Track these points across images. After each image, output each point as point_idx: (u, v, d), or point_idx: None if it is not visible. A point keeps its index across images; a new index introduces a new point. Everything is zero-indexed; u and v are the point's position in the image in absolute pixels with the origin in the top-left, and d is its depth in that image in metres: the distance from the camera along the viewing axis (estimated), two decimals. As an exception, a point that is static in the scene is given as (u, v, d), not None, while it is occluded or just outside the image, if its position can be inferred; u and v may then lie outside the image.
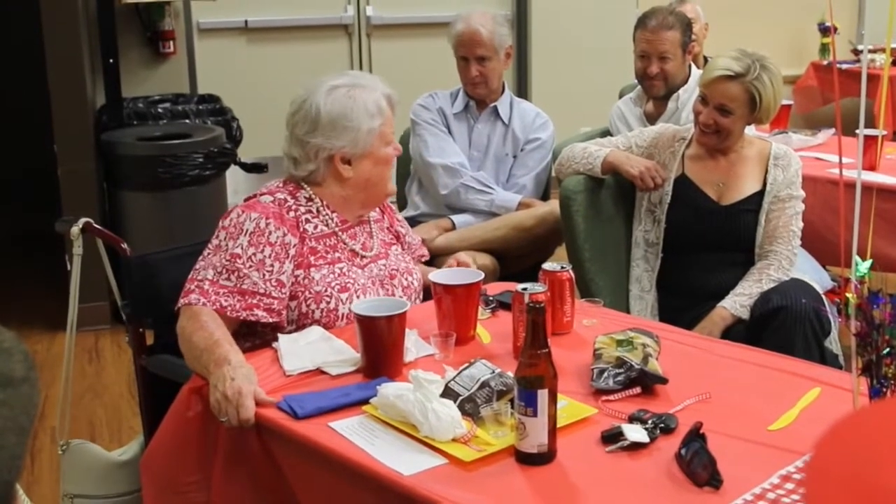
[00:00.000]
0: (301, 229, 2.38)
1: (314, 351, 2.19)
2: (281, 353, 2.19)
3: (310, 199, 2.45)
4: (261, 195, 2.43)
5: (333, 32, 6.11)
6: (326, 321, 2.35)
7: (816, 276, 3.23)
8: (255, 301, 2.27)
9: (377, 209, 2.64)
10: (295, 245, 2.35)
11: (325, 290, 2.35)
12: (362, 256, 2.46)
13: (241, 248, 2.29)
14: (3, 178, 6.61)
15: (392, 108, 2.48)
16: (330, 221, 2.45)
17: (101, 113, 4.99)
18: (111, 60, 4.92)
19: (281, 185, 2.47)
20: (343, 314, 2.35)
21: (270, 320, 2.30)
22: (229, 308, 2.26)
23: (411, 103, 3.77)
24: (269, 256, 2.30)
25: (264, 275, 2.28)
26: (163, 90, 5.40)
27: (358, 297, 2.36)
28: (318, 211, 2.44)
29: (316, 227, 2.41)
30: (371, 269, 2.47)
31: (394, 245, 2.61)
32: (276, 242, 2.31)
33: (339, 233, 2.45)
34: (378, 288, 2.44)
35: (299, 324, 2.35)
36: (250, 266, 2.27)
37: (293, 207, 2.40)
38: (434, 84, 3.98)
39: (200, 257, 2.34)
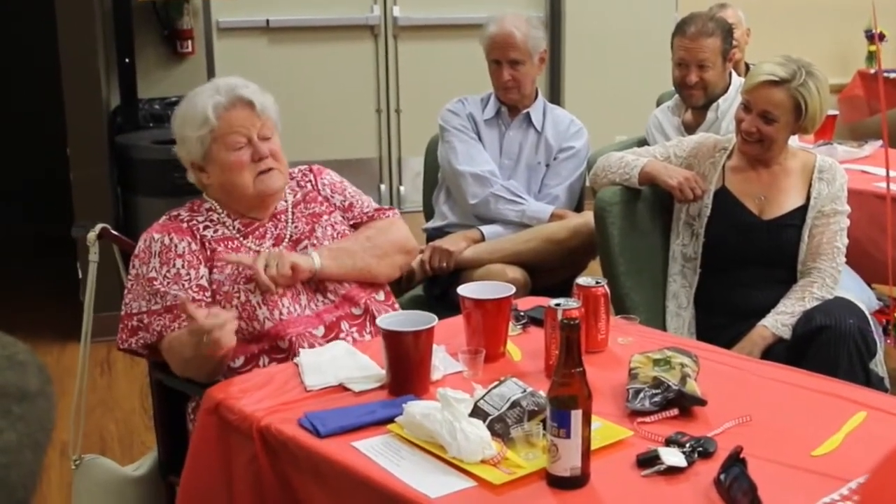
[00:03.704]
0: (199, 235, 2.45)
1: (337, 366, 2.17)
2: (302, 368, 2.18)
3: (210, 209, 2.51)
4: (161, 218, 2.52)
5: (358, 33, 6.04)
6: (246, 315, 2.36)
7: (862, 296, 3.16)
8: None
9: (309, 184, 2.63)
10: (198, 250, 2.42)
11: (233, 288, 2.39)
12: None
13: (156, 271, 2.38)
14: (10, 181, 6.42)
15: (243, 108, 2.45)
16: (231, 226, 2.50)
17: (115, 114, 4.95)
18: (127, 60, 4.87)
19: (190, 203, 2.56)
20: (257, 302, 2.37)
21: None
22: (163, 329, 2.34)
23: (439, 108, 3.72)
24: (183, 267, 2.38)
25: (183, 285, 2.36)
26: (180, 91, 5.29)
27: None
28: (218, 218, 2.49)
29: (217, 231, 2.47)
30: None
31: (325, 216, 2.58)
32: (183, 253, 2.40)
33: (242, 238, 2.49)
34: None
35: None
36: (168, 283, 2.36)
37: (185, 219, 2.48)
38: (463, 88, 3.92)
39: (126, 290, 2.42)
